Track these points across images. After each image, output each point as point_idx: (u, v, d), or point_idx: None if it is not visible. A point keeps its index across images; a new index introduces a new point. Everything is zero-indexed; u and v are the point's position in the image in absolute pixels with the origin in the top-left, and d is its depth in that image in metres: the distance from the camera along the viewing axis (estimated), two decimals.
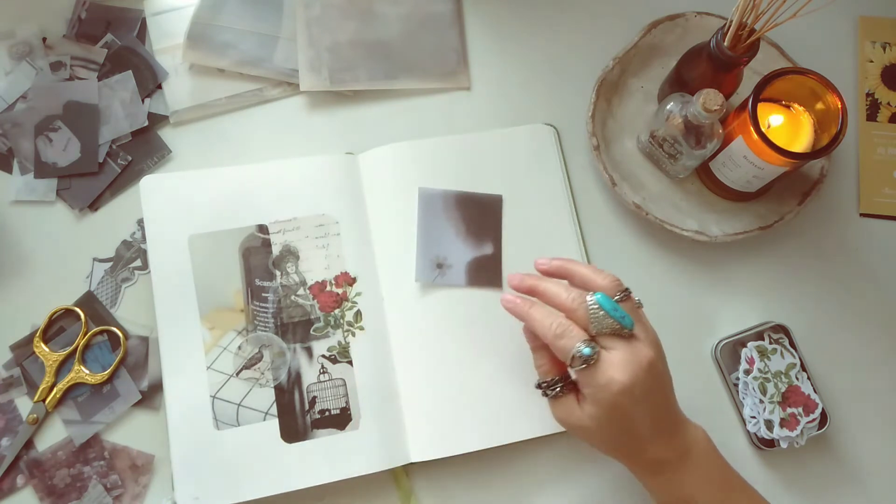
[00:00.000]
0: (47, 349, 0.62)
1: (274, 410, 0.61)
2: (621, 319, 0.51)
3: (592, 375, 0.51)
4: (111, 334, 0.63)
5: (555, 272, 0.57)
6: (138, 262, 0.65)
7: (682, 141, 0.63)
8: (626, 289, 0.54)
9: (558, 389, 0.54)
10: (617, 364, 0.50)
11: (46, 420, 0.61)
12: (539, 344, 0.56)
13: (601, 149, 0.68)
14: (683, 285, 0.68)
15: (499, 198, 0.67)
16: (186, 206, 0.64)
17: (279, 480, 0.59)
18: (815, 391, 0.63)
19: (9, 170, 0.66)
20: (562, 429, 0.61)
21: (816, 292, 0.68)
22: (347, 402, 0.61)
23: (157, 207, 0.64)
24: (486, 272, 0.65)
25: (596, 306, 0.51)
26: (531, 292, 0.56)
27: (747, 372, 0.63)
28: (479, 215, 0.66)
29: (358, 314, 0.63)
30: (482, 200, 0.66)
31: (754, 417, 0.62)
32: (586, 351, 0.50)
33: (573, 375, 0.53)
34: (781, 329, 0.65)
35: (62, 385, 0.61)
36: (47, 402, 0.61)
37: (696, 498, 0.53)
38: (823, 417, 0.62)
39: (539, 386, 0.56)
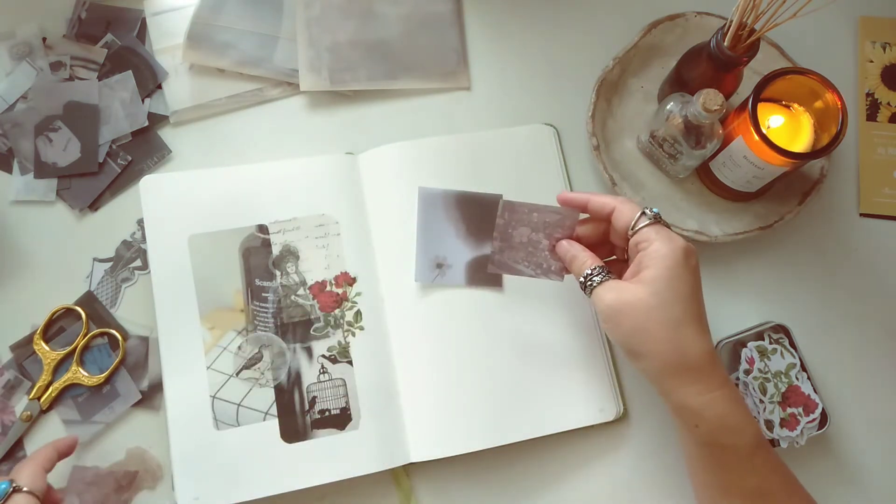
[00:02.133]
0: (47, 347, 0.62)
1: (274, 410, 0.61)
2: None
3: (657, 230, 0.54)
4: (111, 337, 0.63)
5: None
6: (138, 262, 0.65)
7: (682, 141, 0.63)
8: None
9: (604, 275, 0.55)
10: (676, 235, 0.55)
11: (45, 419, 0.61)
12: (575, 250, 0.58)
13: (601, 149, 0.68)
14: None
15: (499, 198, 0.67)
16: (186, 206, 0.64)
17: (279, 480, 0.59)
18: (815, 391, 0.63)
19: (9, 170, 0.66)
20: (560, 429, 0.62)
21: (816, 292, 0.68)
22: (347, 402, 0.61)
23: (156, 207, 0.64)
24: (485, 272, 0.64)
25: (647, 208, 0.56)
26: (584, 203, 0.59)
27: (747, 372, 0.63)
28: (480, 215, 0.66)
29: (358, 314, 0.63)
30: (482, 200, 0.66)
31: (754, 417, 0.62)
32: (655, 209, 0.55)
33: (639, 236, 0.54)
34: (781, 329, 0.65)
35: (58, 384, 0.61)
36: (42, 400, 0.61)
37: (741, 428, 0.52)
38: (823, 417, 0.62)
39: (586, 277, 0.56)
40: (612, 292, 0.54)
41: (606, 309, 0.54)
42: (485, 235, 0.65)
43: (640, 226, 0.55)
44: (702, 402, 0.52)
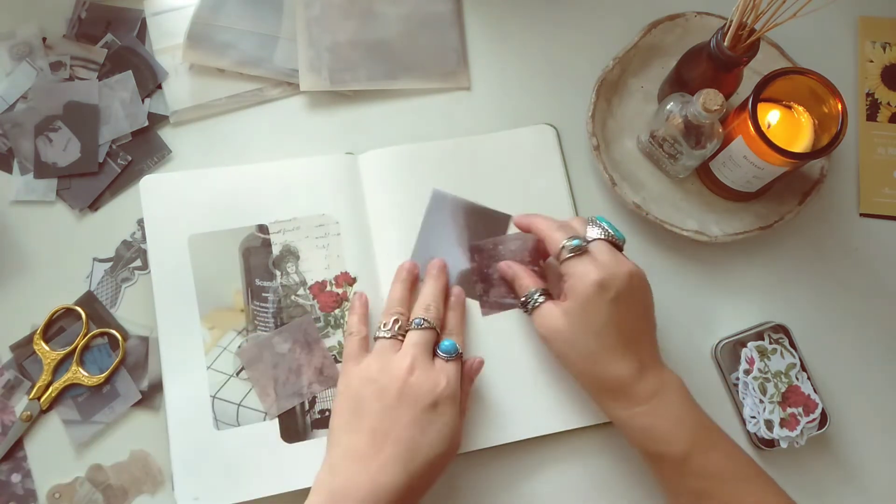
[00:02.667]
0: (47, 347, 0.62)
1: None
2: (616, 230, 0.58)
3: (575, 264, 0.56)
4: (111, 336, 0.63)
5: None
6: (138, 262, 0.65)
7: (682, 141, 0.63)
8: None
9: (539, 298, 0.58)
10: (600, 261, 0.56)
11: (45, 419, 0.61)
12: (518, 270, 0.61)
13: (601, 149, 0.68)
14: (683, 285, 0.68)
15: (507, 217, 0.66)
16: (186, 205, 0.64)
17: (279, 480, 0.59)
18: (815, 391, 0.63)
19: (9, 170, 0.66)
20: (562, 428, 0.62)
21: (816, 292, 0.68)
22: None
23: (156, 207, 0.64)
24: (472, 286, 0.65)
25: (596, 221, 0.59)
26: (529, 227, 0.63)
27: (747, 372, 0.63)
28: (484, 231, 0.66)
29: None
30: (490, 216, 0.66)
31: (754, 417, 0.62)
32: (576, 242, 0.57)
33: (563, 268, 0.57)
34: (781, 329, 0.65)
35: (58, 384, 0.61)
36: (42, 400, 0.61)
37: (668, 439, 0.55)
38: (823, 417, 0.62)
39: (522, 300, 0.60)
40: (542, 318, 0.58)
41: (540, 334, 0.59)
42: None
43: (563, 258, 0.57)
44: (625, 415, 0.56)
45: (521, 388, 0.62)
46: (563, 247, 0.57)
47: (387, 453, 0.52)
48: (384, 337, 0.58)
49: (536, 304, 0.58)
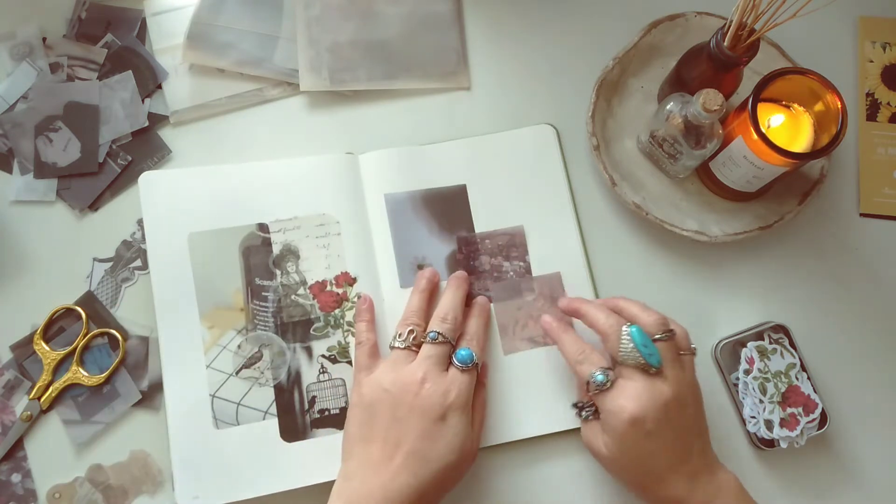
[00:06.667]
0: (47, 347, 0.62)
1: (273, 410, 0.61)
2: (648, 357, 0.54)
3: (604, 400, 0.54)
4: (111, 336, 0.63)
5: (609, 306, 0.59)
6: (138, 262, 0.65)
7: (682, 141, 0.63)
8: (671, 330, 0.56)
9: (590, 413, 0.57)
10: (630, 394, 0.53)
11: (45, 419, 0.61)
12: (586, 349, 0.58)
13: (601, 149, 0.68)
14: (683, 285, 0.68)
15: (463, 187, 0.67)
16: (186, 202, 0.64)
17: (279, 480, 0.59)
18: (815, 391, 0.63)
19: (9, 170, 0.66)
20: (562, 427, 0.62)
21: (816, 292, 0.68)
22: (347, 402, 0.61)
23: (156, 204, 0.64)
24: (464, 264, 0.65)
25: (628, 337, 0.54)
26: (575, 314, 0.60)
27: (747, 372, 0.63)
28: (448, 209, 0.66)
29: None
30: (447, 193, 0.67)
31: (754, 417, 0.62)
32: (599, 378, 0.54)
33: (594, 399, 0.56)
34: (781, 329, 0.65)
35: (58, 384, 0.61)
36: (42, 400, 0.61)
37: None
38: (823, 417, 0.62)
39: (574, 406, 0.60)
40: (587, 434, 0.57)
41: (584, 443, 0.58)
42: (456, 227, 0.66)
43: (592, 392, 0.55)
44: None
45: (510, 381, 0.63)
46: (589, 382, 0.55)
47: (398, 462, 0.53)
48: (398, 347, 0.58)
49: (587, 418, 0.58)
